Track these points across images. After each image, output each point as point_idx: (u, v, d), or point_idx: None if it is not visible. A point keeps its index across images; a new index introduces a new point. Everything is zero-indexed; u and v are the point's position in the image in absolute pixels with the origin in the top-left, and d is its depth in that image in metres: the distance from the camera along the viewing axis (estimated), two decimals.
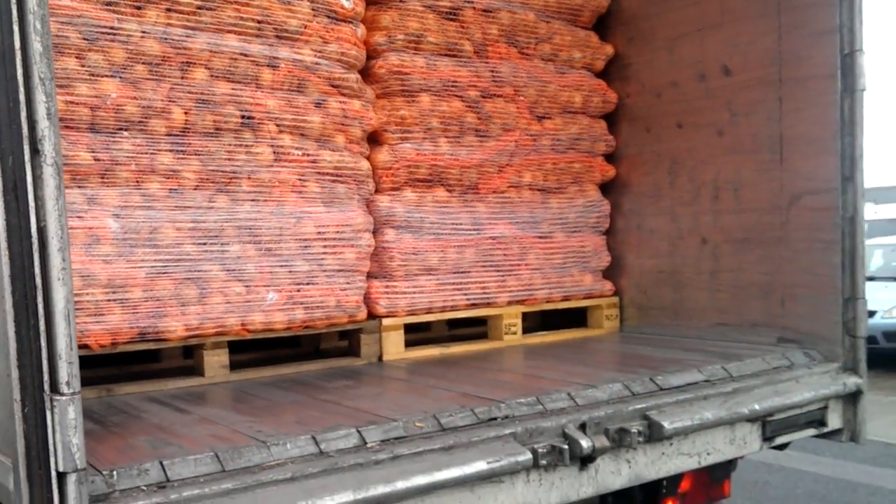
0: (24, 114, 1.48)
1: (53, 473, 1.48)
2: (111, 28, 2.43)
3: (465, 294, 3.30)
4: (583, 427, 2.21)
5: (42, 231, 1.49)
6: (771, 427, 2.70)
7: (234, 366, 2.75)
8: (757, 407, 2.61)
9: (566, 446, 2.13)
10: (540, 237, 3.52)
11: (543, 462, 2.09)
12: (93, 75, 2.40)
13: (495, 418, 2.17)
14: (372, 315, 3.07)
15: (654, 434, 2.33)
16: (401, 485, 1.84)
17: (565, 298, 3.63)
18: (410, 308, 3.14)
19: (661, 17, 3.59)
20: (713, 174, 3.41)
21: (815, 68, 3.04)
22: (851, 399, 2.97)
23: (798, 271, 3.13)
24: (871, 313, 10.48)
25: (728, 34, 3.33)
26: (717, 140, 3.39)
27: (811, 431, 2.88)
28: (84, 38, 2.39)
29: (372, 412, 2.16)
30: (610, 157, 3.79)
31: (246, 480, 1.71)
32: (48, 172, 1.49)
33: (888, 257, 12.31)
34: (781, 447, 3.02)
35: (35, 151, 1.49)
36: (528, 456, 2.05)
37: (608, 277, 3.79)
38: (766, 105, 3.20)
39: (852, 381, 2.94)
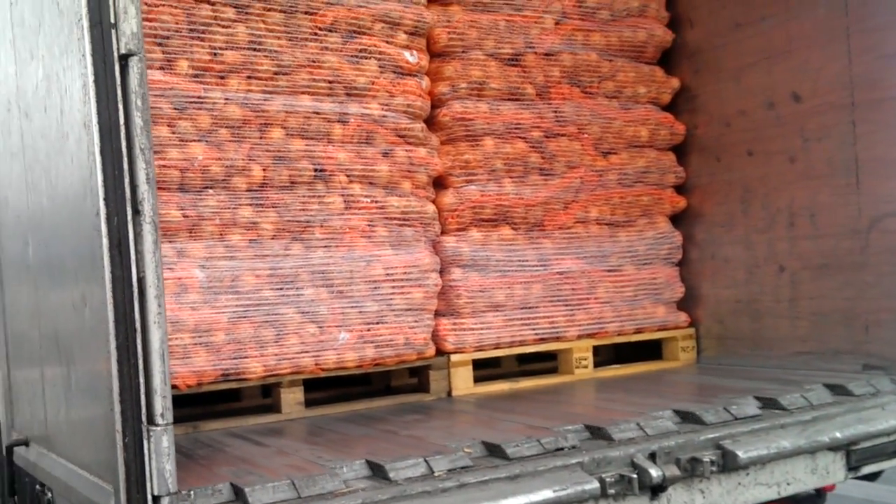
0: (127, 179, 1.71)
1: (150, 497, 1.66)
2: (198, 97, 2.72)
3: (534, 329, 3.37)
4: (652, 456, 2.23)
5: (141, 281, 1.70)
6: (856, 456, 2.63)
7: (309, 403, 2.91)
8: (839, 435, 2.55)
9: (635, 475, 2.15)
10: (609, 270, 3.57)
11: (612, 491, 2.12)
12: (182, 140, 2.69)
13: (562, 448, 2.22)
14: (440, 352, 3.19)
15: (728, 464, 2.32)
16: None
17: (638, 331, 3.64)
18: (478, 344, 3.24)
19: (727, 49, 3.65)
20: (787, 200, 3.40)
21: (888, 90, 3.06)
22: None
23: (881, 296, 3.07)
24: None
25: (796, 61, 3.36)
26: (790, 166, 3.39)
27: None
28: (174, 108, 2.69)
29: (439, 443, 2.26)
30: (681, 189, 3.81)
31: None
32: (147, 230, 1.72)
33: None
34: (872, 478, 2.93)
35: (136, 212, 1.72)
36: (596, 485, 2.08)
37: (683, 309, 3.77)
38: (840, 129, 3.20)
39: None
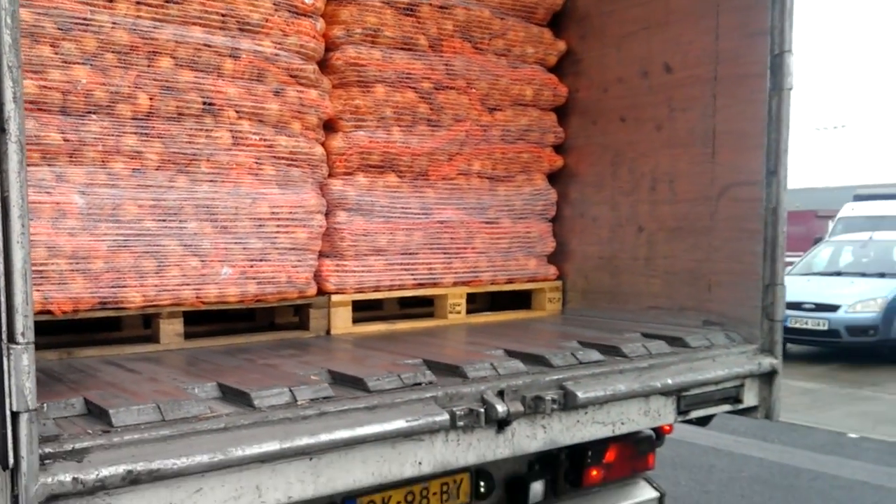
0: None
1: (8, 413, 1.66)
2: (84, 19, 2.62)
3: (413, 274, 3.50)
4: (500, 394, 2.40)
5: (5, 200, 1.67)
6: (685, 401, 2.86)
7: (190, 335, 2.92)
8: (670, 381, 2.78)
9: (483, 410, 2.30)
10: (486, 222, 3.72)
11: (461, 423, 2.26)
12: (65, 62, 2.59)
13: (419, 383, 2.36)
14: (322, 292, 3.26)
15: (568, 403, 2.50)
16: (324, 437, 2.04)
17: (509, 281, 3.83)
18: (359, 286, 3.33)
19: (612, 16, 3.77)
20: (651, 166, 3.60)
21: (747, 67, 3.20)
22: (767, 378, 3.15)
23: (724, 259, 3.31)
24: (835, 307, 10.73)
25: (671, 33, 3.51)
26: (657, 134, 3.58)
27: (726, 407, 3.05)
28: (59, 28, 2.58)
29: (297, 373, 2.38)
30: (559, 148, 3.98)
31: (183, 429, 1.92)
32: (12, 149, 1.67)
33: (857, 254, 12.62)
34: (703, 422, 3.24)
35: (1, 130, 1.68)
36: (446, 417, 2.23)
37: (554, 262, 3.99)
38: (702, 101, 3.38)
39: (768, 362, 3.12)
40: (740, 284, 3.24)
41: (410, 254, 3.49)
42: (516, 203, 3.83)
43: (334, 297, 3.28)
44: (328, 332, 3.27)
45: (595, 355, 2.81)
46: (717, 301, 3.34)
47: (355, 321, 3.32)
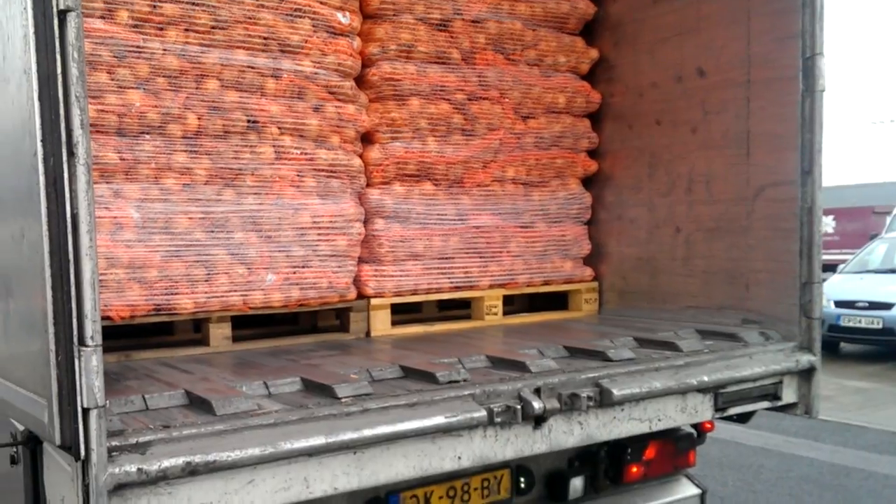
0: (63, 124, 1.84)
1: (79, 409, 1.82)
2: (137, 46, 2.84)
3: (449, 278, 3.63)
4: (537, 391, 2.48)
5: (74, 217, 1.84)
6: (723, 398, 2.91)
7: (237, 338, 3.12)
8: (706, 378, 2.83)
9: (520, 407, 2.39)
10: (522, 227, 3.83)
11: (499, 420, 2.35)
12: (120, 87, 2.81)
13: (457, 381, 2.48)
14: (361, 296, 3.42)
15: (604, 400, 2.57)
16: (367, 432, 2.17)
17: (546, 283, 3.93)
18: (397, 290, 3.48)
19: (645, 23, 3.86)
20: (687, 168, 3.67)
21: (779, 70, 3.27)
22: (806, 375, 3.17)
23: (761, 258, 3.36)
24: (890, 306, 10.45)
25: (704, 39, 3.58)
26: (692, 136, 3.65)
27: (765, 404, 3.09)
28: (114, 56, 2.81)
29: (339, 372, 2.52)
30: (594, 153, 4.07)
31: (235, 424, 2.07)
32: (81, 171, 1.84)
33: None
34: (743, 419, 3.25)
35: (71, 154, 1.85)
36: (483, 413, 2.32)
37: (590, 264, 4.07)
38: (736, 104, 3.45)
39: (806, 359, 3.14)
40: (778, 283, 3.28)
41: (447, 258, 3.62)
42: (551, 207, 3.93)
43: (373, 301, 3.43)
44: (368, 333, 3.42)
45: (629, 353, 2.87)
46: (756, 299, 3.38)
47: (394, 323, 3.47)
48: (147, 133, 2.87)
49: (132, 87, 2.84)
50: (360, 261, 3.44)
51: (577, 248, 4.03)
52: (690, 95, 3.64)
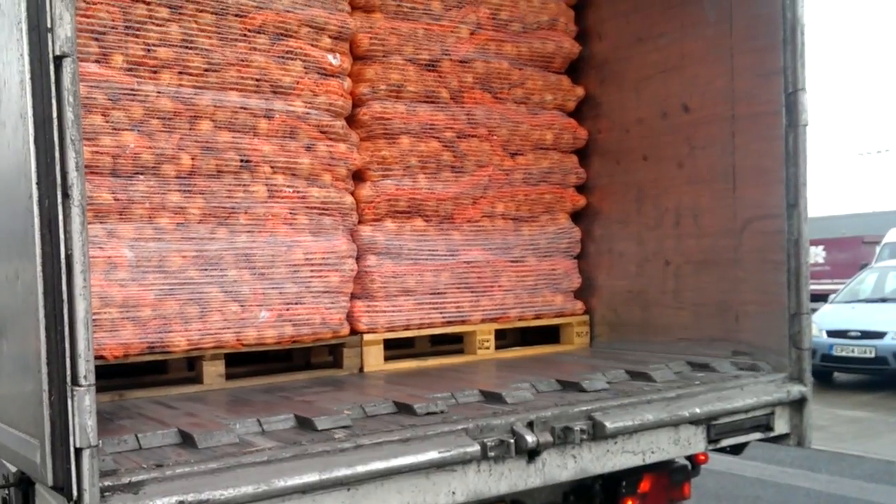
0: (58, 167, 1.86)
1: (72, 449, 1.81)
2: (131, 89, 2.89)
3: (441, 313, 3.65)
4: (530, 425, 2.48)
5: (69, 258, 1.86)
6: (716, 430, 2.92)
7: (231, 376, 3.11)
8: (698, 410, 2.85)
9: (513, 441, 2.40)
10: (512, 261, 3.86)
11: (492, 454, 2.36)
12: (115, 129, 2.86)
13: (434, 413, 2.48)
14: (354, 331, 3.43)
15: (597, 433, 2.58)
16: (361, 468, 2.17)
17: (537, 317, 3.95)
18: (389, 325, 3.49)
19: (630, 61, 3.95)
20: (675, 202, 3.72)
21: (763, 106, 3.34)
22: (797, 406, 3.19)
23: (750, 290, 3.39)
24: (882, 335, 10.42)
25: (688, 76, 3.67)
26: (678, 171, 3.71)
27: (757, 435, 3.10)
28: (109, 99, 2.85)
29: (331, 407, 2.50)
30: (582, 188, 4.12)
31: (229, 462, 2.06)
32: (75, 212, 1.86)
33: None
34: (737, 451, 3.25)
35: (66, 196, 1.87)
36: (477, 448, 2.33)
37: (581, 298, 4.09)
38: (721, 139, 3.52)
39: (797, 389, 3.16)
40: (767, 314, 3.31)
41: (439, 293, 3.64)
42: (541, 242, 3.97)
43: (366, 337, 3.44)
44: (361, 369, 3.42)
45: (624, 386, 2.90)
46: (745, 331, 3.41)
47: (387, 359, 3.47)
48: (141, 174, 2.91)
49: (126, 129, 2.89)
50: (353, 297, 3.46)
51: (568, 281, 4.07)
52: (676, 131, 3.72)
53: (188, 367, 3.22)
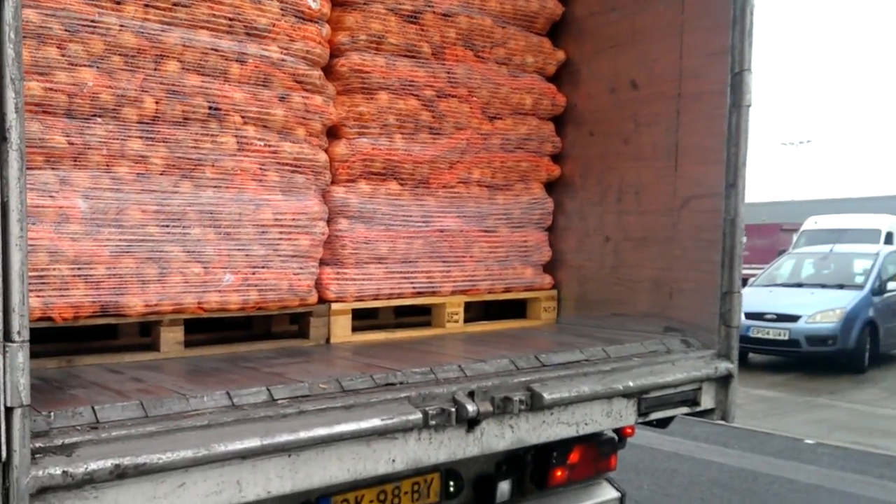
0: None
1: (2, 408, 1.62)
2: (91, 21, 2.46)
3: (412, 283, 3.28)
4: (471, 394, 2.36)
5: (4, 205, 1.63)
6: (646, 403, 2.82)
7: (189, 344, 2.70)
8: (631, 384, 2.74)
9: (454, 409, 2.27)
10: (485, 231, 3.53)
11: (433, 422, 2.23)
12: (72, 64, 2.44)
13: (393, 384, 2.32)
14: (322, 300, 3.04)
15: (535, 403, 2.46)
16: (303, 434, 2.00)
17: (507, 290, 3.60)
18: (359, 294, 3.12)
19: (584, 35, 3.67)
20: (618, 178, 3.51)
21: (708, 85, 3.11)
22: (723, 382, 3.08)
23: (684, 268, 3.23)
24: (796, 318, 10.48)
25: (637, 52, 3.42)
26: (623, 147, 3.48)
27: (684, 409, 3.00)
28: (66, 30, 2.43)
29: (286, 375, 2.30)
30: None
31: (167, 425, 1.89)
32: (13, 157, 1.63)
33: (818, 266, 12.39)
34: (663, 424, 3.17)
35: (3, 139, 1.63)
36: (419, 416, 2.19)
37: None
38: (666, 117, 3.29)
39: (724, 366, 3.06)
40: (699, 292, 3.16)
41: (410, 262, 3.29)
42: (514, 212, 3.65)
43: (334, 306, 3.06)
44: (328, 340, 3.06)
45: (558, 358, 2.74)
46: (678, 308, 3.27)
47: (354, 329, 3.13)
48: (99, 116, 2.49)
49: (84, 65, 2.47)
50: (321, 263, 3.07)
51: (538, 254, 3.75)
52: (623, 107, 3.48)
53: (141, 333, 2.81)
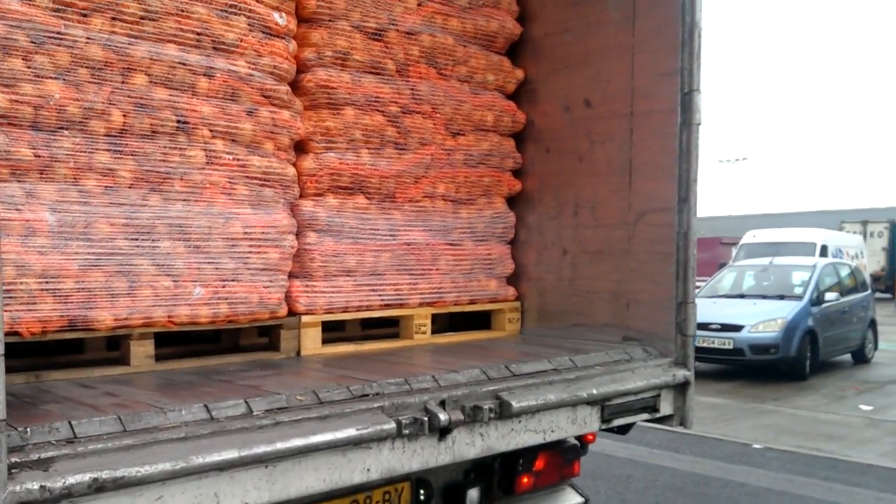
0: None
1: None
2: (58, 33, 2.46)
3: (380, 295, 3.35)
4: (442, 403, 2.41)
5: None
6: (609, 410, 2.91)
7: (160, 357, 2.71)
8: (595, 391, 2.82)
9: (426, 418, 2.32)
10: (450, 244, 3.62)
11: (406, 432, 2.27)
12: (38, 76, 2.43)
13: (367, 395, 2.36)
14: (292, 312, 3.08)
15: (504, 411, 2.51)
16: (280, 445, 2.02)
17: (472, 302, 3.71)
18: (329, 307, 3.17)
19: (539, 55, 3.82)
20: (574, 194, 3.65)
21: (659, 104, 3.26)
22: (681, 389, 3.20)
23: (640, 279, 3.35)
24: (739, 328, 10.80)
25: (591, 72, 3.58)
26: (578, 164, 3.63)
27: (645, 416, 3.11)
28: (31, 41, 2.42)
29: (262, 388, 2.32)
30: None
31: (145, 438, 1.89)
32: None
33: (759, 278, 12.84)
34: (623, 431, 3.25)
35: None
36: (393, 425, 2.23)
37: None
38: (620, 135, 3.44)
39: (681, 374, 3.18)
40: (655, 302, 3.29)
41: (378, 275, 3.35)
42: (478, 225, 3.75)
43: (304, 318, 3.09)
44: (298, 352, 3.07)
45: (527, 368, 2.82)
46: (635, 318, 3.37)
47: (323, 342, 3.14)
48: (66, 128, 2.49)
49: (51, 77, 2.46)
50: (291, 276, 3.10)
51: (502, 266, 3.86)
52: (578, 125, 3.63)
53: (108, 347, 2.78)
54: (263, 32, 2.97)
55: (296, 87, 3.14)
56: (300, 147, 3.18)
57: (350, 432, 2.16)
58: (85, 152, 2.52)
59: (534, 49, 3.84)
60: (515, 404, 2.54)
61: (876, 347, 13.26)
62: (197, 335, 3.02)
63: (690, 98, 3.12)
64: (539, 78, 3.80)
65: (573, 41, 3.61)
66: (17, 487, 1.63)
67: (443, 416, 2.35)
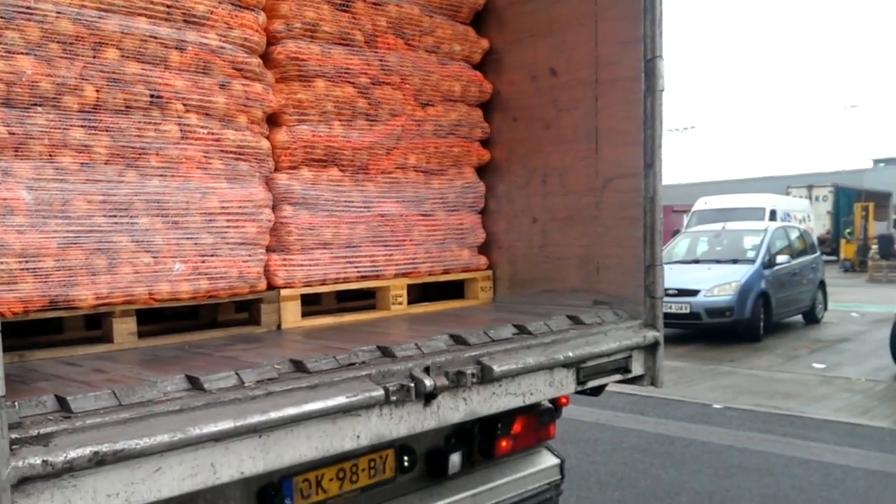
0: None
1: None
2: (27, 7, 2.42)
3: (357, 267, 3.40)
4: (427, 370, 2.49)
5: None
6: (584, 372, 3.00)
7: (142, 334, 2.73)
8: (571, 354, 2.91)
9: (412, 385, 2.39)
10: (423, 215, 3.67)
11: (394, 398, 2.34)
12: (9, 52, 2.40)
13: (353, 363, 2.43)
14: (271, 286, 3.10)
15: (485, 376, 2.59)
16: (273, 415, 2.08)
17: (445, 271, 3.78)
18: (306, 280, 3.19)
19: (504, 25, 3.84)
20: (542, 162, 3.70)
21: (623, 71, 3.29)
22: (651, 349, 3.27)
23: (609, 244, 3.41)
24: (695, 292, 11.09)
25: (555, 40, 3.62)
26: (545, 132, 3.68)
27: (618, 377, 3.20)
28: (1, 17, 2.39)
29: (247, 360, 2.37)
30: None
31: (141, 412, 1.93)
32: None
33: (712, 243, 13.19)
34: (596, 392, 3.36)
35: None
36: (381, 392, 2.30)
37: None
38: (585, 102, 3.49)
39: (651, 335, 3.25)
40: (624, 266, 3.34)
41: (354, 247, 3.39)
42: (449, 196, 3.80)
43: (284, 292, 3.12)
44: (279, 326, 3.12)
45: (506, 333, 2.90)
46: (605, 282, 3.44)
47: (303, 315, 3.18)
48: (39, 105, 2.46)
49: (22, 53, 2.43)
50: (268, 250, 3.13)
51: (473, 236, 3.93)
52: (544, 94, 3.67)
53: (87, 325, 2.78)
54: (233, 4, 2.96)
55: (266, 59, 3.13)
56: (273, 120, 3.18)
57: (340, 400, 2.23)
58: (59, 129, 2.50)
59: (498, 18, 3.87)
60: (497, 368, 2.63)
61: (826, 308, 13.85)
62: (174, 312, 3.01)
63: (654, 65, 3.17)
64: (504, 47, 3.85)
65: (537, 10, 3.65)
66: (20, 463, 1.66)
67: (428, 382, 2.42)
